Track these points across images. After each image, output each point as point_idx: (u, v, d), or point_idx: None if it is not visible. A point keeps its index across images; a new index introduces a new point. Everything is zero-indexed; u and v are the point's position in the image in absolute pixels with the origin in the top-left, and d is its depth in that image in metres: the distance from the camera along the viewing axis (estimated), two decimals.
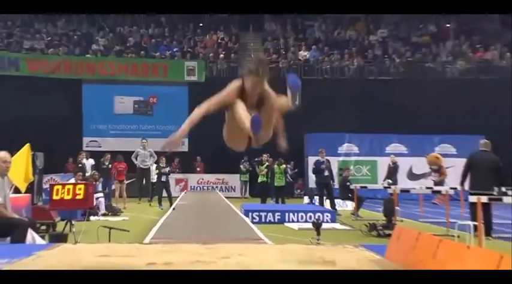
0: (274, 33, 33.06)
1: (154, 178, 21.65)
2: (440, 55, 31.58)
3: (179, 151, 28.08)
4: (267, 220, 15.21)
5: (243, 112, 5.13)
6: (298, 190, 27.27)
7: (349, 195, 18.22)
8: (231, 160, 22.99)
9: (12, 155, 9.13)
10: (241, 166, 26.08)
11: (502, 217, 15.30)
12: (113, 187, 20.84)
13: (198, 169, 28.04)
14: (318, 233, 8.96)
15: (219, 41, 32.25)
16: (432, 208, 19.53)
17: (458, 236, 9.99)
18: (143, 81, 28.75)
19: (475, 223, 9.97)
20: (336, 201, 18.70)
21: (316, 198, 20.08)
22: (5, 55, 28.43)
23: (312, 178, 21.27)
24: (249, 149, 5.73)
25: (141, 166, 19.66)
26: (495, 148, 13.34)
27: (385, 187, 18.37)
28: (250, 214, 15.11)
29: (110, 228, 9.26)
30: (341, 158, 26.47)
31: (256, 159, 22.49)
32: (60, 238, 9.88)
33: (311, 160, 22.00)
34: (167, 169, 19.98)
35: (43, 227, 11.66)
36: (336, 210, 17.58)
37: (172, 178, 23.34)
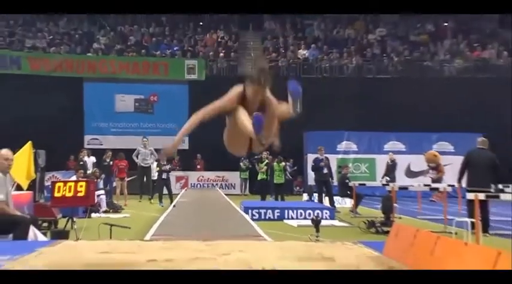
0: (274, 32, 33.05)
1: (155, 175, 21.67)
2: (438, 54, 31.59)
3: (180, 149, 28.16)
4: (267, 217, 15.21)
5: (244, 118, 5.11)
6: (298, 188, 27.30)
7: (348, 192, 18.22)
8: (231, 157, 22.92)
9: (14, 153, 9.13)
10: (241, 164, 26.08)
11: (499, 214, 15.33)
12: (114, 184, 20.85)
13: (198, 166, 28.04)
14: (317, 230, 8.99)
15: (219, 39, 32.24)
16: (430, 205, 19.57)
17: (456, 233, 10.00)
18: (144, 80, 28.75)
19: (473, 220, 9.98)
20: (335, 198, 18.70)
21: (315, 195, 20.09)
22: (7, 54, 28.43)
23: (311, 176, 21.26)
24: (249, 153, 5.72)
25: (142, 164, 19.67)
26: (492, 146, 13.33)
27: (383, 185, 18.39)
28: (250, 211, 15.11)
29: (111, 225, 9.27)
30: (340, 156, 26.51)
31: (255, 157, 22.48)
32: (61, 235, 9.85)
33: (310, 158, 22.00)
34: (168, 167, 19.99)
35: (45, 224, 11.67)
36: (334, 207, 17.59)
37: (173, 175, 23.36)
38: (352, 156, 27.13)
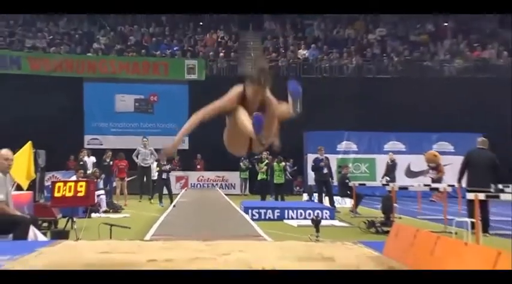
0: (274, 32, 33.05)
1: (155, 175, 21.66)
2: (438, 54, 31.60)
3: (180, 149, 28.16)
4: (267, 217, 15.21)
5: (244, 118, 5.09)
6: (298, 188, 27.31)
7: (348, 192, 18.22)
8: (231, 158, 22.92)
9: (14, 153, 9.13)
10: (241, 164, 26.08)
11: (499, 214, 15.33)
12: (114, 184, 20.85)
13: (198, 166, 28.05)
14: (317, 230, 8.98)
15: (219, 39, 32.25)
16: (430, 205, 19.57)
17: (456, 233, 10.00)
18: (144, 80, 28.75)
19: (473, 220, 9.98)
20: (335, 198, 18.70)
21: (315, 195, 20.09)
22: (7, 54, 28.44)
23: (311, 176, 21.27)
24: (249, 153, 5.72)
25: (142, 164, 19.69)
26: (492, 146, 13.34)
27: (383, 185, 18.39)
28: (250, 211, 15.11)
29: (111, 225, 9.27)
30: (340, 156, 26.52)
31: (255, 157, 22.47)
32: (61, 235, 9.85)
33: (310, 158, 22.00)
34: (168, 167, 19.99)
35: (45, 224, 11.67)
36: (334, 207, 17.59)
37: (173, 175, 23.35)
38: (352, 156, 27.15)
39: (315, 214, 14.21)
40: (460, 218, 10.82)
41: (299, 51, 31.03)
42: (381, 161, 24.48)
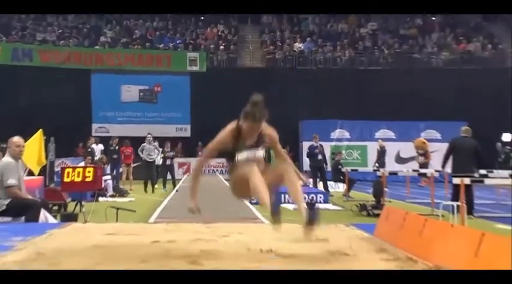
0: (271, 26, 32.94)
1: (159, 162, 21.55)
2: (426, 46, 31.54)
3: (182, 136, 28.17)
4: None
5: (260, 184, 4.74)
6: None
7: (341, 177, 18.23)
8: None
9: (25, 140, 9.10)
10: None
11: (482, 197, 15.37)
12: (120, 170, 20.83)
13: (199, 153, 27.99)
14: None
15: (219, 33, 32.16)
16: (418, 189, 19.60)
17: (443, 216, 10.02)
18: (148, 71, 28.67)
19: (458, 203, 9.98)
20: (329, 183, 18.70)
21: (310, 180, 20.09)
22: (19, 47, 28.38)
23: (306, 162, 21.28)
24: None
25: (147, 159, 19.62)
26: (475, 133, 13.35)
27: (374, 170, 18.41)
28: None
29: (117, 208, 9.26)
30: (333, 143, 26.52)
31: None
32: (71, 218, 9.87)
33: (305, 145, 22.01)
34: (171, 154, 19.98)
35: (55, 207, 11.64)
36: (328, 191, 17.57)
37: (176, 162, 23.31)
38: (345, 143, 27.16)
39: (310, 198, 14.31)
40: (447, 201, 10.83)
41: (295, 44, 30.96)
42: (372, 148, 24.49)
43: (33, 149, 11.58)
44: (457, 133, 13.77)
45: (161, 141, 20.80)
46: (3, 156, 8.91)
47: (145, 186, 19.11)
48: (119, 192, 17.30)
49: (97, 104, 28.57)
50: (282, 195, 15.32)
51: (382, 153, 21.79)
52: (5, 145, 9.43)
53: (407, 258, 4.57)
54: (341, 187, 18.91)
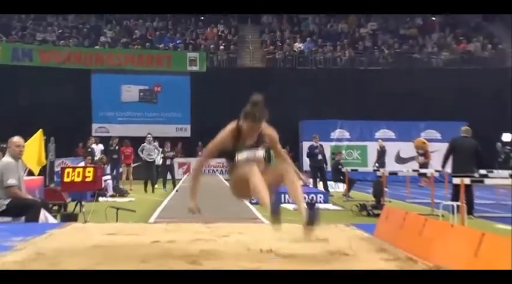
0: (271, 26, 32.93)
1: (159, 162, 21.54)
2: (426, 46, 31.54)
3: (182, 136, 28.17)
4: None
5: (260, 184, 4.74)
6: None
7: (341, 177, 18.23)
8: None
9: (25, 140, 9.10)
10: None
11: (483, 197, 15.36)
12: (120, 170, 20.82)
13: (199, 153, 27.98)
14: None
15: (219, 33, 32.15)
16: (418, 189, 19.58)
17: (443, 216, 10.02)
18: (148, 71, 28.67)
19: (458, 203, 9.98)
20: (329, 183, 18.69)
21: (310, 180, 20.08)
22: (19, 46, 28.38)
23: (306, 162, 21.27)
24: None
25: (147, 159, 19.63)
26: (475, 133, 13.35)
27: (374, 170, 18.41)
28: None
29: (117, 208, 9.25)
30: (333, 143, 26.52)
31: None
32: (71, 218, 9.87)
33: (305, 145, 22.01)
34: (171, 154, 19.98)
35: (55, 207, 11.63)
36: (328, 191, 17.56)
37: (176, 162, 23.30)
38: (345, 143, 27.16)
39: (310, 198, 14.30)
40: (447, 201, 10.82)
41: (295, 44, 30.95)
42: (372, 148, 24.49)
43: (33, 149, 11.58)
44: (457, 133, 13.76)
45: (161, 141, 20.78)
46: (3, 156, 8.91)
47: (145, 186, 19.13)
48: (119, 192, 17.29)
49: (97, 104, 28.56)
50: (282, 195, 15.35)
51: (382, 153, 21.78)
52: (5, 145, 9.43)
53: (407, 258, 4.57)
54: (341, 187, 18.90)
